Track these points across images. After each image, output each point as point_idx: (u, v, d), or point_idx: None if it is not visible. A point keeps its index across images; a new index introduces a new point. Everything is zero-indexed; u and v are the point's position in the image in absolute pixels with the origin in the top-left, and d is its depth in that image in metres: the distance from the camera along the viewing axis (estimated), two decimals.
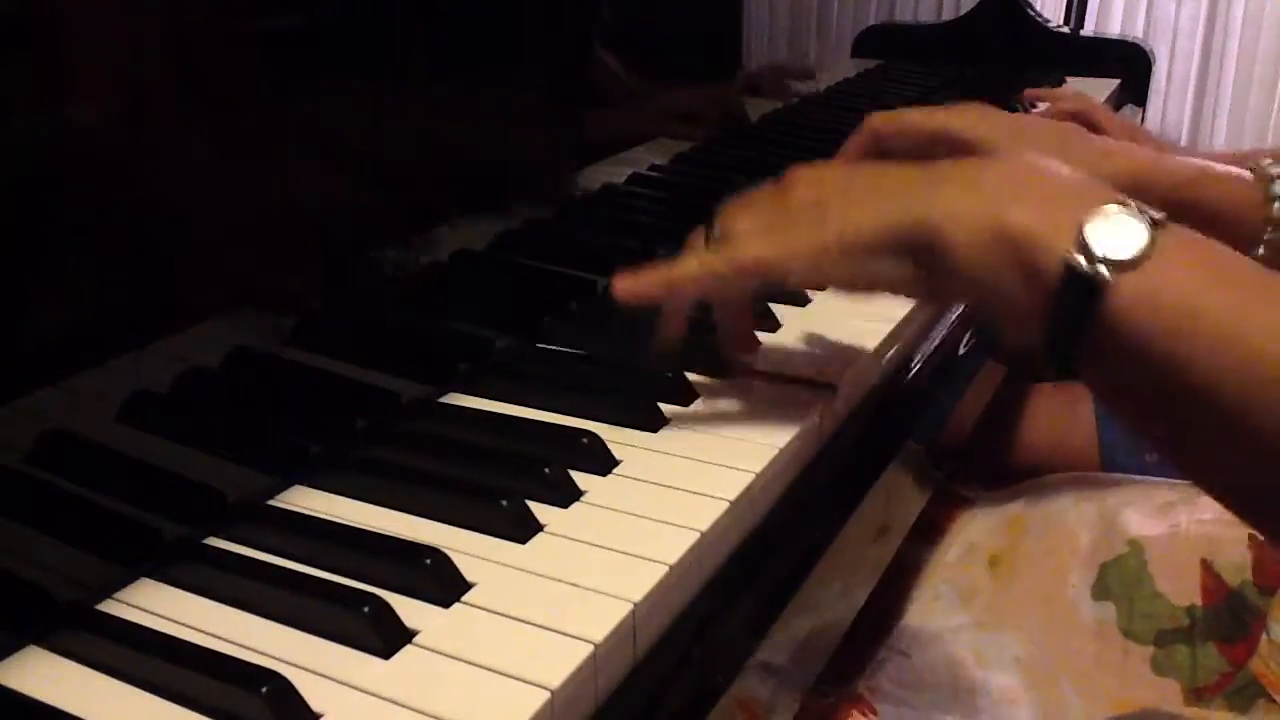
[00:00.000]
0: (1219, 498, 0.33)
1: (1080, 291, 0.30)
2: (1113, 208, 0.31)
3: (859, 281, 0.37)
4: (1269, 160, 0.48)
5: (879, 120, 0.54)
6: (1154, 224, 0.30)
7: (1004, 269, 0.32)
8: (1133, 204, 0.31)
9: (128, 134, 0.35)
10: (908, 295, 0.37)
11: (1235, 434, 0.29)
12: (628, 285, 0.40)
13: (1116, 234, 0.30)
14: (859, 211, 0.36)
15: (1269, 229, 0.46)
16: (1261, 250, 0.46)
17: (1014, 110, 0.95)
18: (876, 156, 0.52)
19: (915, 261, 0.35)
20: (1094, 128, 0.92)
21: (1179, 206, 0.48)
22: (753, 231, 0.38)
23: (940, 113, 0.53)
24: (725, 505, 0.36)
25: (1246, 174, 0.48)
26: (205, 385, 0.38)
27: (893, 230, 0.35)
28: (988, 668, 0.57)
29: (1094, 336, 0.30)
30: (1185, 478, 0.33)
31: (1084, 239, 0.30)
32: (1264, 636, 0.53)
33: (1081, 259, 0.30)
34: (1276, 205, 0.46)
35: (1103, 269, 0.30)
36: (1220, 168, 0.49)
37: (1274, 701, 0.52)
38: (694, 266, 0.39)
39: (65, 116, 0.33)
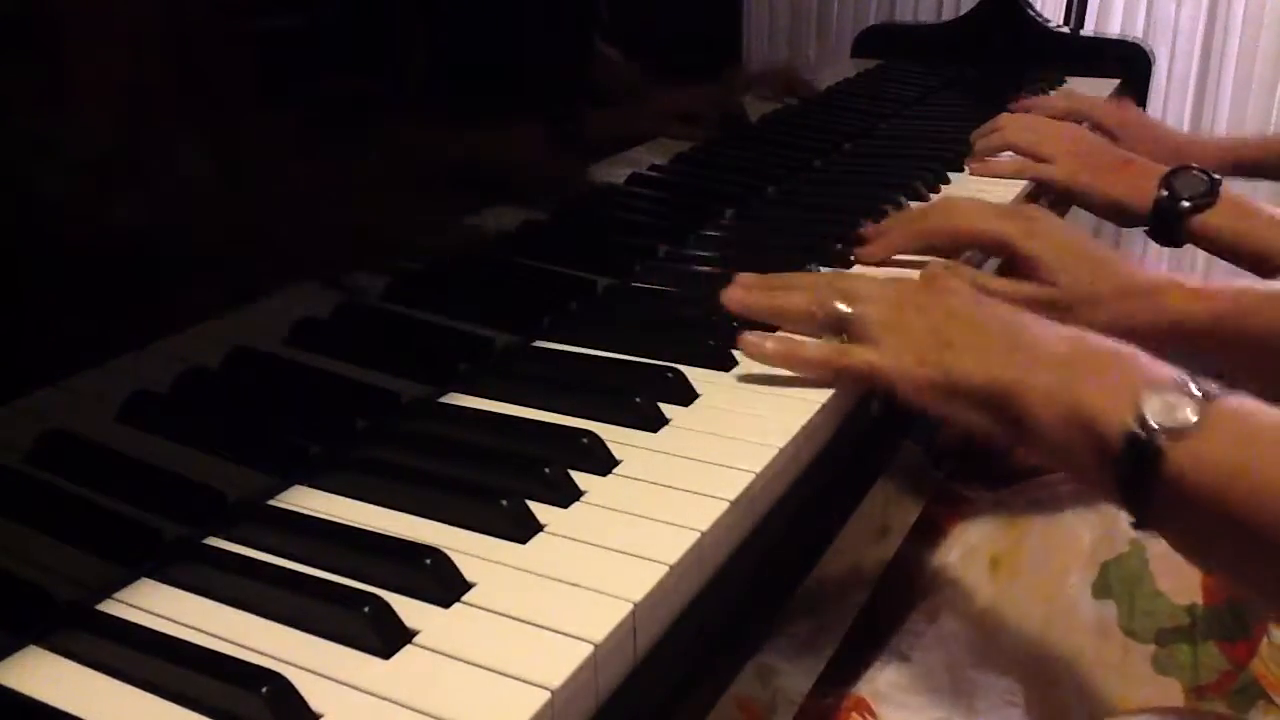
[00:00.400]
0: None
1: (1139, 458, 0.35)
2: (1169, 385, 0.36)
3: (950, 416, 0.42)
4: None
5: (931, 228, 0.59)
6: (1205, 397, 0.35)
7: (1078, 441, 0.37)
8: (1190, 380, 0.36)
9: (128, 134, 0.35)
10: (990, 439, 0.43)
11: None
12: (755, 347, 0.45)
13: (1172, 409, 0.35)
14: (970, 361, 0.41)
15: None
16: None
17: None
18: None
19: (1001, 419, 0.40)
20: (1092, 126, 0.93)
21: (1224, 339, 0.51)
22: (878, 336, 0.44)
23: (1004, 223, 0.57)
24: (725, 505, 0.36)
25: None
26: (205, 385, 0.38)
27: (989, 390, 0.40)
28: (988, 668, 0.57)
29: (1157, 496, 0.35)
30: (1262, 605, 0.37)
31: (1142, 413, 0.35)
32: (1265, 639, 0.53)
33: (1140, 431, 0.35)
34: None
35: (1158, 439, 0.35)
36: (1262, 290, 0.52)
37: (1274, 703, 0.52)
38: (819, 356, 0.45)
39: (65, 116, 0.33)
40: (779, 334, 0.46)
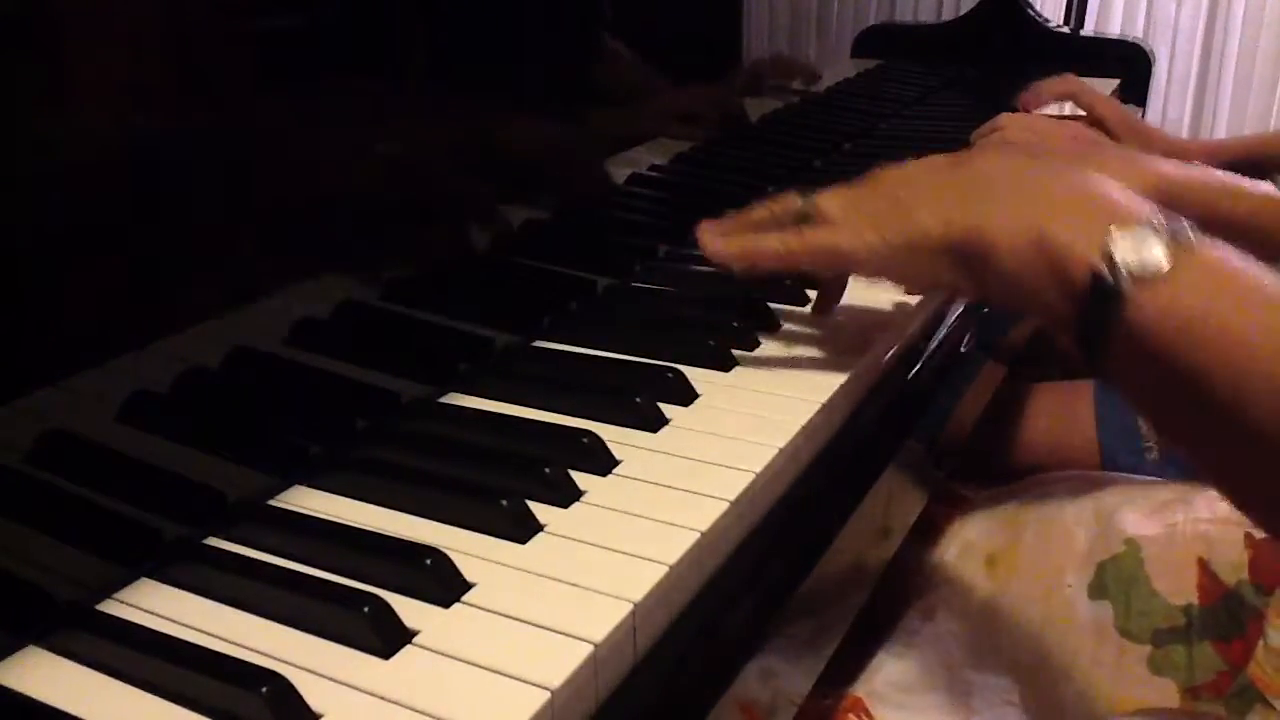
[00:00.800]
0: (1229, 496, 0.35)
1: (1103, 300, 0.33)
2: (1143, 225, 0.34)
3: (918, 279, 0.42)
4: None
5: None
6: (1178, 242, 0.33)
7: (1042, 277, 0.36)
8: (1165, 222, 0.34)
9: (128, 133, 0.35)
10: (959, 296, 0.42)
11: (1243, 435, 0.31)
12: (713, 245, 0.44)
13: (1140, 250, 0.33)
14: (925, 214, 0.40)
15: None
16: None
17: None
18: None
19: (967, 268, 0.39)
20: (1084, 108, 0.92)
21: (1205, 221, 0.50)
22: (836, 216, 0.43)
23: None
24: (725, 505, 0.36)
25: (1273, 189, 0.50)
26: (205, 385, 0.38)
27: (949, 237, 0.39)
28: (984, 668, 0.57)
29: (1117, 342, 0.33)
30: (1199, 476, 0.36)
31: (1110, 252, 0.33)
32: (1261, 642, 0.53)
33: (1106, 271, 0.33)
34: None
35: (1124, 282, 0.33)
36: (1247, 183, 0.51)
37: (1272, 706, 0.52)
38: (775, 244, 0.44)
39: (65, 116, 0.33)
40: (736, 229, 0.46)
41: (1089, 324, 0.34)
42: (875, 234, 0.41)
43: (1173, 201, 0.50)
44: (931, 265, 0.40)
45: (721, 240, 0.45)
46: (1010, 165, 0.40)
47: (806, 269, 0.44)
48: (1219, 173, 0.52)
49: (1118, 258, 0.33)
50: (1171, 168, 0.51)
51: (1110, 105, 0.94)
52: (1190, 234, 0.33)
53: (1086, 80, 0.99)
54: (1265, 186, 0.51)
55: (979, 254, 0.38)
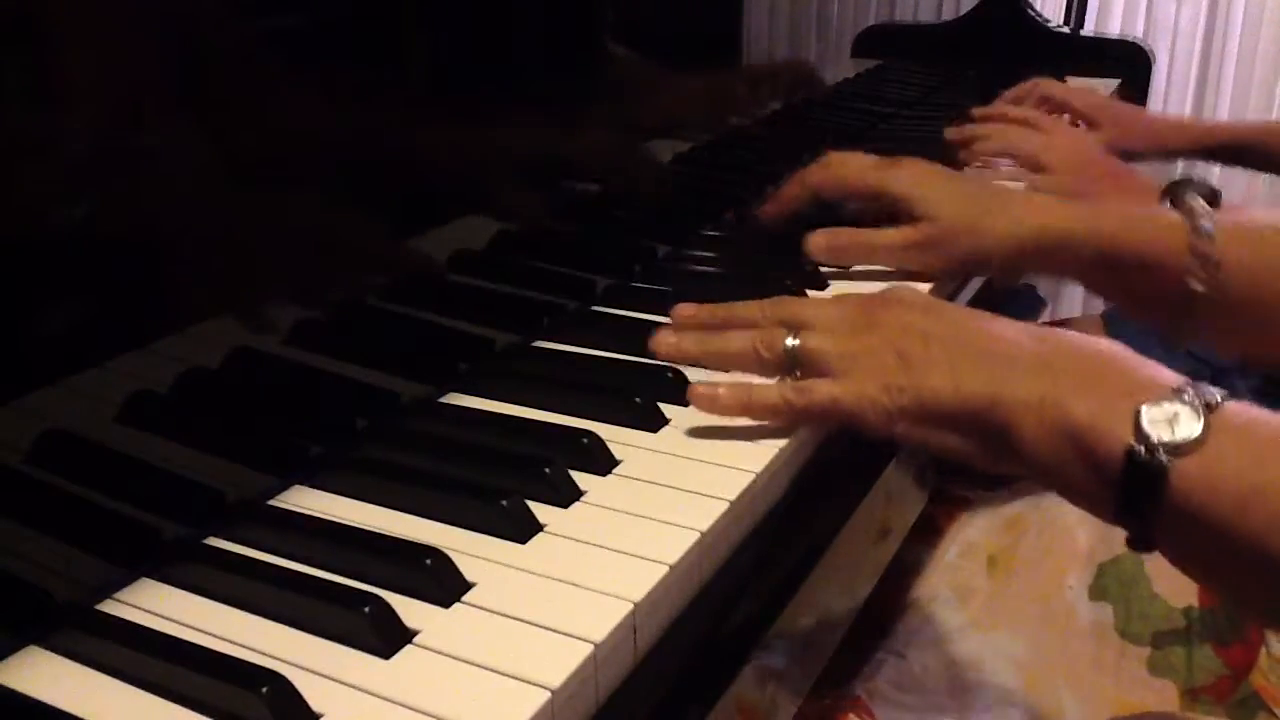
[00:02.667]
0: None
1: (1142, 478, 0.33)
2: (1169, 395, 0.33)
3: (927, 445, 0.39)
4: (1194, 197, 0.51)
5: (816, 178, 0.57)
6: (1208, 407, 0.33)
7: (1070, 458, 0.35)
8: (1189, 388, 0.33)
9: (128, 133, 0.35)
10: (972, 464, 0.39)
11: None
12: (706, 400, 0.41)
13: (1173, 421, 0.33)
14: (938, 378, 0.38)
15: (1198, 263, 0.47)
16: (1195, 285, 0.48)
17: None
18: (807, 209, 0.58)
19: (983, 440, 0.37)
20: (1064, 110, 0.91)
21: (1111, 256, 0.50)
22: (834, 366, 0.40)
23: (879, 172, 0.56)
24: (725, 505, 0.36)
25: (1172, 213, 0.50)
26: (205, 385, 0.38)
27: (967, 407, 0.37)
28: (984, 669, 0.57)
29: (1161, 517, 0.33)
30: (1259, 624, 0.35)
31: (1142, 428, 0.33)
32: (1264, 650, 0.53)
33: (1141, 448, 0.32)
34: (1202, 242, 0.47)
35: (1161, 455, 0.32)
36: (1143, 212, 0.51)
37: (1275, 715, 0.52)
38: (774, 398, 0.40)
39: (65, 116, 0.33)
40: (731, 380, 0.42)
41: (1129, 503, 0.33)
42: (883, 395, 0.38)
43: (1070, 246, 0.50)
44: (944, 435, 0.38)
45: (713, 396, 0.41)
46: (1025, 334, 0.38)
47: (804, 424, 0.41)
48: (1112, 209, 0.52)
49: (1150, 433, 0.32)
50: (1063, 211, 0.51)
51: (1082, 96, 0.93)
52: (1216, 395, 0.33)
53: (1086, 81, 0.99)
54: (1162, 213, 0.51)
55: (996, 431, 0.36)
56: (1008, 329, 0.39)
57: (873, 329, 0.40)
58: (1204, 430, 0.32)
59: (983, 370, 0.37)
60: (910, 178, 0.55)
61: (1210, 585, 0.38)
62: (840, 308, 0.43)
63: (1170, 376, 0.35)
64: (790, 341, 0.41)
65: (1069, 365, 0.36)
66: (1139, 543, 0.34)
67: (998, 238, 0.52)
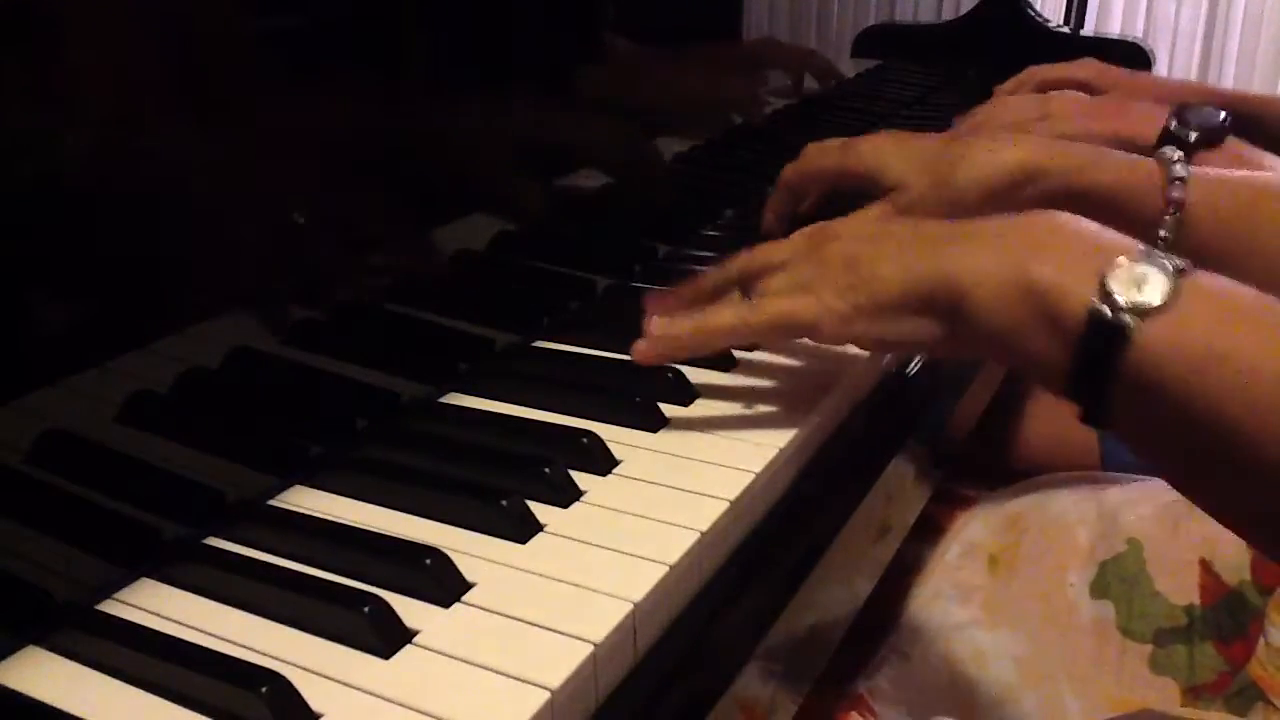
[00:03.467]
0: (1237, 528, 0.34)
1: (1104, 339, 0.31)
2: (1135, 256, 0.31)
3: (886, 339, 0.38)
4: (1170, 146, 0.49)
5: (789, 173, 0.57)
6: (1177, 271, 0.31)
7: (1028, 322, 0.33)
8: (1156, 252, 0.31)
9: (128, 133, 0.35)
10: (933, 354, 0.38)
11: (1260, 468, 0.29)
12: (662, 329, 0.41)
13: (1139, 281, 0.31)
14: (887, 268, 0.37)
15: (1169, 210, 0.46)
16: (1162, 232, 0.46)
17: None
18: (798, 206, 0.56)
19: (939, 319, 0.36)
20: (1065, 86, 0.91)
21: (1078, 191, 0.49)
22: (786, 286, 0.40)
23: (840, 153, 0.54)
24: (725, 505, 0.36)
25: (1147, 160, 0.49)
26: (205, 385, 0.38)
27: (917, 287, 0.36)
28: (986, 667, 0.57)
29: (1120, 383, 0.31)
30: (1208, 513, 0.34)
31: (1107, 287, 0.31)
32: (1262, 640, 0.53)
33: (1105, 308, 0.31)
34: (1175, 188, 0.46)
35: (1126, 316, 0.30)
36: (1118, 153, 0.50)
37: (1273, 705, 0.52)
38: (729, 318, 0.40)
39: (65, 116, 0.33)
40: (682, 305, 0.43)
41: (1087, 367, 0.31)
42: (835, 297, 0.38)
43: (1037, 177, 0.48)
44: (899, 323, 0.37)
45: (668, 322, 0.41)
46: (978, 220, 0.37)
47: (763, 341, 0.41)
48: (1085, 146, 0.50)
49: (1115, 292, 0.30)
50: (1035, 144, 0.49)
51: (1078, 68, 0.92)
52: (1183, 262, 0.31)
53: (1083, 60, 0.98)
54: (1134, 156, 0.49)
55: (952, 302, 0.35)
56: (957, 221, 0.37)
57: (817, 245, 0.40)
58: (1172, 292, 0.30)
59: (933, 250, 0.36)
60: (870, 151, 0.53)
61: (1162, 465, 0.34)
62: (790, 243, 0.42)
63: (1136, 241, 0.33)
64: (746, 280, 0.41)
65: (1027, 230, 0.34)
66: (1092, 415, 0.33)
67: (970, 183, 0.50)
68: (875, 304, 0.37)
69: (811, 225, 0.43)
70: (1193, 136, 0.58)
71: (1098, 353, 0.31)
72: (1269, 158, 0.57)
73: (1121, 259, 0.31)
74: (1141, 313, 0.30)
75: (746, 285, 0.42)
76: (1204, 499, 0.34)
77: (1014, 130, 0.74)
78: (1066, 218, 0.35)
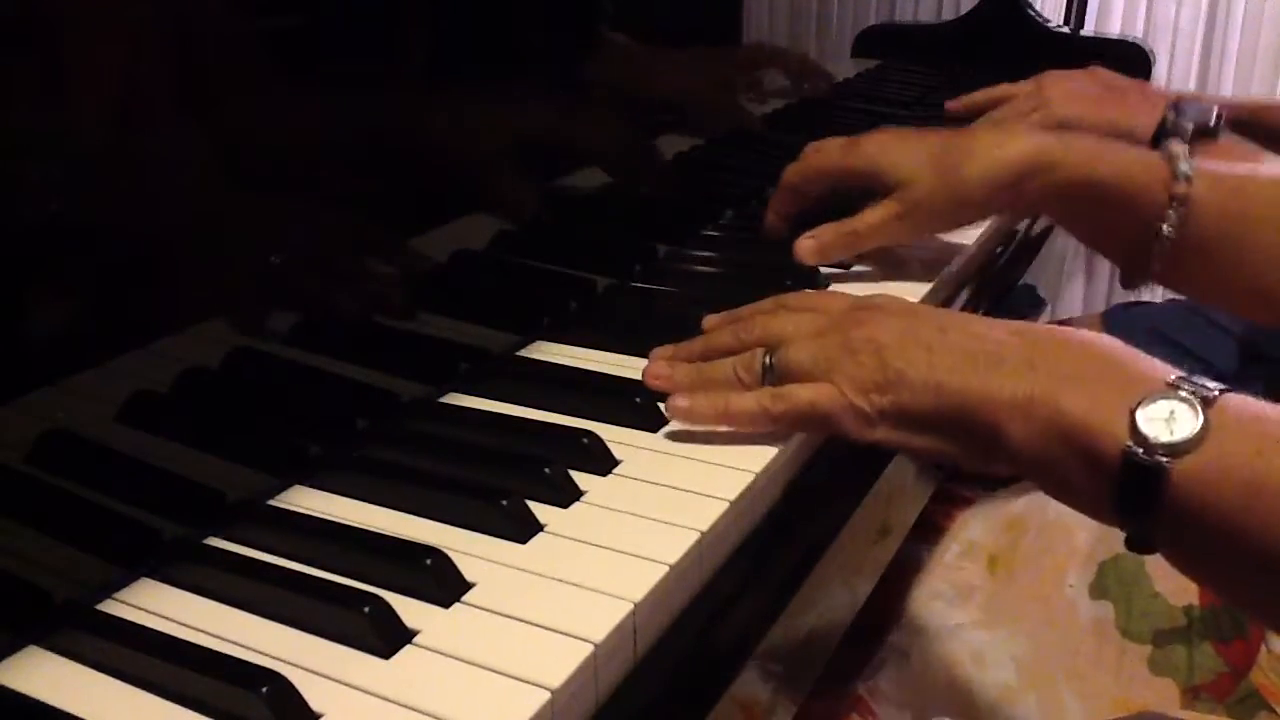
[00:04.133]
0: None
1: (1140, 479, 0.31)
2: (1164, 390, 0.32)
3: (909, 449, 0.38)
4: (1175, 141, 0.49)
5: (791, 173, 0.56)
6: (1205, 403, 0.31)
7: (1063, 457, 0.33)
8: (1185, 382, 0.32)
9: (128, 134, 0.35)
10: (957, 465, 0.38)
11: None
12: (683, 408, 0.40)
13: (1170, 419, 0.31)
14: (916, 377, 0.36)
15: (1173, 204, 0.46)
16: (1166, 227, 0.46)
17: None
18: (802, 206, 0.56)
19: (969, 441, 0.36)
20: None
21: (1084, 184, 0.49)
22: (811, 372, 0.39)
23: (843, 152, 0.54)
24: (725, 505, 0.36)
25: (1152, 153, 0.49)
26: (205, 385, 0.38)
27: (948, 409, 0.36)
28: (985, 667, 0.57)
29: (1161, 517, 0.32)
30: (1269, 628, 0.34)
31: (1139, 429, 0.31)
32: (1264, 648, 0.53)
33: (1139, 449, 0.31)
34: (1179, 183, 0.46)
35: (1160, 456, 0.31)
36: (1122, 146, 0.50)
37: (1275, 712, 0.52)
38: (751, 405, 0.39)
39: (65, 116, 0.33)
40: (692, 372, 0.42)
41: (1128, 503, 0.32)
42: (860, 398, 0.37)
43: (1043, 169, 0.48)
44: (926, 438, 0.36)
45: (689, 399, 0.40)
46: (1005, 329, 0.37)
47: (783, 431, 0.40)
48: (1089, 137, 0.50)
49: (1148, 434, 0.31)
50: (1039, 136, 0.49)
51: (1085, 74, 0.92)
52: (1214, 389, 0.32)
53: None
54: (1138, 149, 0.49)
55: (982, 432, 0.35)
56: (991, 327, 0.37)
57: (844, 333, 0.39)
58: (1203, 427, 0.31)
59: (964, 369, 0.36)
60: (874, 149, 0.53)
61: (1212, 586, 0.36)
62: (815, 316, 0.42)
63: (1164, 369, 0.33)
64: (766, 358, 0.40)
65: (1058, 360, 0.35)
66: (1138, 543, 0.34)
67: (976, 179, 0.50)
68: (902, 415, 0.37)
69: (840, 302, 0.42)
70: (1189, 129, 0.58)
71: (1136, 491, 0.32)
72: (1264, 153, 0.57)
73: (1152, 394, 0.32)
74: (1175, 450, 0.31)
75: (764, 347, 0.41)
76: (1258, 615, 0.35)
77: (1010, 117, 0.74)
78: (1098, 344, 0.35)
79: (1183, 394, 0.32)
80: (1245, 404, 0.32)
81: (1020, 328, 0.37)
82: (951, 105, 0.82)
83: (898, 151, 0.53)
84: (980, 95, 0.81)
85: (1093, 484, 0.33)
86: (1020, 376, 0.35)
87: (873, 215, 0.54)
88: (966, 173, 0.51)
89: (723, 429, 0.40)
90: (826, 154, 0.56)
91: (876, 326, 0.39)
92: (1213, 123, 0.59)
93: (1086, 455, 0.33)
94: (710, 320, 0.46)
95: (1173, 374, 0.33)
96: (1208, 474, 0.31)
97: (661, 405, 0.43)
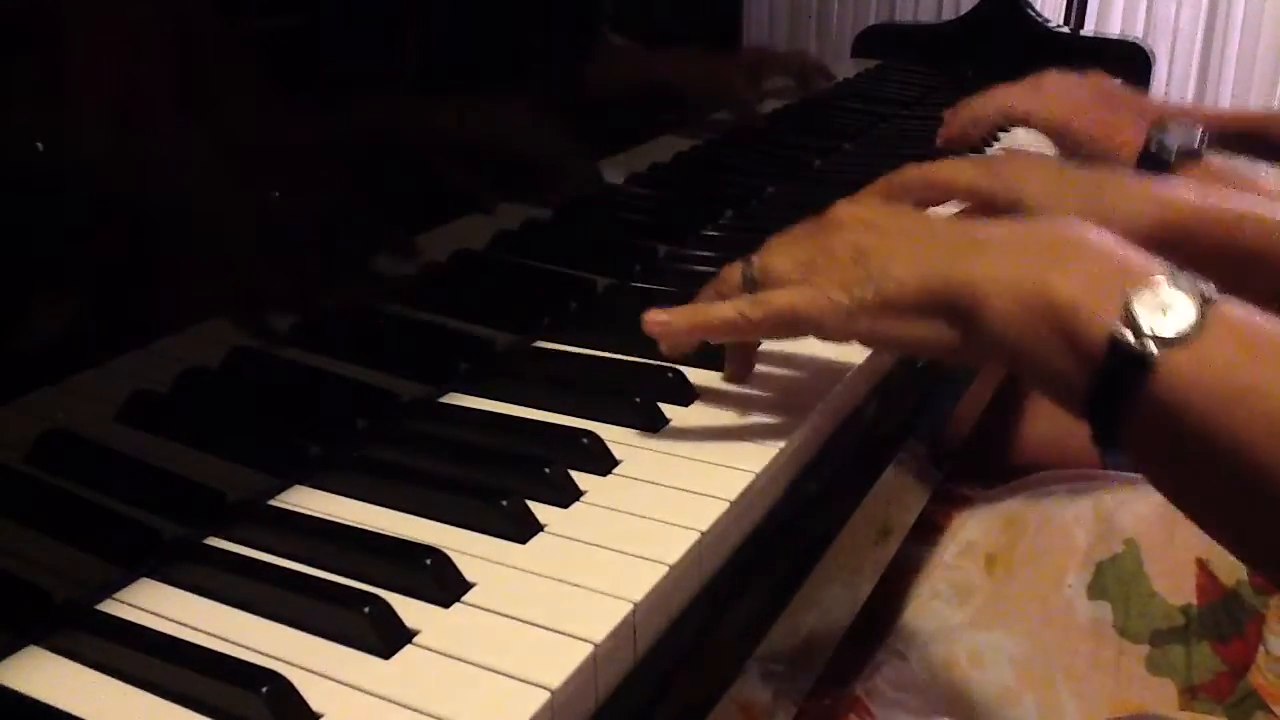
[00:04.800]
0: (1252, 560, 0.33)
1: (1126, 367, 0.30)
2: (1161, 281, 0.30)
3: (891, 340, 0.36)
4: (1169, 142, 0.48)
5: (914, 177, 0.53)
6: (1204, 300, 0.30)
7: (1045, 338, 0.32)
8: (1183, 277, 0.30)
9: (128, 134, 0.35)
10: (940, 358, 0.37)
11: (1277, 499, 0.28)
12: (660, 322, 0.40)
13: (1165, 309, 0.30)
14: (898, 267, 0.35)
15: None
16: None
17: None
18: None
19: (951, 324, 0.34)
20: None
21: (1221, 251, 0.48)
22: (790, 276, 0.38)
23: (981, 173, 0.51)
24: (725, 505, 0.36)
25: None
26: (205, 385, 0.38)
27: (931, 290, 0.34)
28: (984, 668, 0.57)
29: (1139, 412, 0.30)
30: (1218, 541, 0.33)
31: (1131, 313, 0.30)
32: (1262, 649, 0.53)
33: (1129, 334, 0.29)
34: None
35: (1150, 345, 0.29)
36: (1265, 207, 0.48)
37: (1274, 713, 0.52)
38: (729, 312, 0.39)
39: (66, 116, 0.33)
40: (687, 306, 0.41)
41: (1105, 392, 0.30)
42: (841, 293, 0.36)
43: (1181, 238, 0.45)
44: (909, 325, 0.35)
45: (666, 316, 0.39)
46: (995, 221, 0.36)
47: (765, 337, 0.39)
48: (1235, 195, 0.48)
49: (1140, 318, 0.29)
50: (1183, 199, 0.47)
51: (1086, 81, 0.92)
52: (1212, 288, 0.30)
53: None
54: None
55: (967, 310, 0.33)
56: (975, 222, 0.36)
57: (826, 234, 0.38)
58: (1198, 323, 0.29)
59: (950, 253, 0.34)
60: (1013, 175, 0.50)
61: (1173, 495, 0.33)
62: (796, 227, 0.40)
63: (1168, 265, 0.31)
64: (746, 271, 0.39)
65: (1050, 241, 0.33)
66: (1105, 438, 0.31)
67: (1119, 231, 0.50)
68: (884, 302, 0.35)
69: (818, 216, 0.41)
70: (1172, 151, 0.57)
71: (1117, 379, 0.30)
72: (1248, 168, 0.57)
73: (1149, 282, 0.30)
74: (1166, 342, 0.29)
75: (744, 260, 0.40)
76: (1216, 528, 0.33)
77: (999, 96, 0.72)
78: (1092, 232, 0.33)
79: (1183, 286, 0.30)
80: (1244, 308, 0.30)
81: (1012, 220, 0.36)
82: (943, 136, 0.81)
83: (1041, 183, 0.51)
84: (963, 108, 0.80)
85: (1072, 369, 0.31)
86: (1008, 257, 0.33)
87: None
88: (1108, 221, 0.49)
89: (735, 422, 0.40)
90: (960, 170, 0.54)
91: (853, 225, 0.38)
92: (1196, 144, 0.59)
93: (1070, 337, 0.31)
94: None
95: (1171, 267, 0.31)
96: (1196, 371, 0.29)
97: (661, 405, 0.43)
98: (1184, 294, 0.30)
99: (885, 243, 0.36)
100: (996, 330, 0.33)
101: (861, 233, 0.37)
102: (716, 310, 0.39)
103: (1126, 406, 0.30)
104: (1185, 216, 0.46)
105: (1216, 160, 0.59)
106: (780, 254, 0.39)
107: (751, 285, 0.39)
